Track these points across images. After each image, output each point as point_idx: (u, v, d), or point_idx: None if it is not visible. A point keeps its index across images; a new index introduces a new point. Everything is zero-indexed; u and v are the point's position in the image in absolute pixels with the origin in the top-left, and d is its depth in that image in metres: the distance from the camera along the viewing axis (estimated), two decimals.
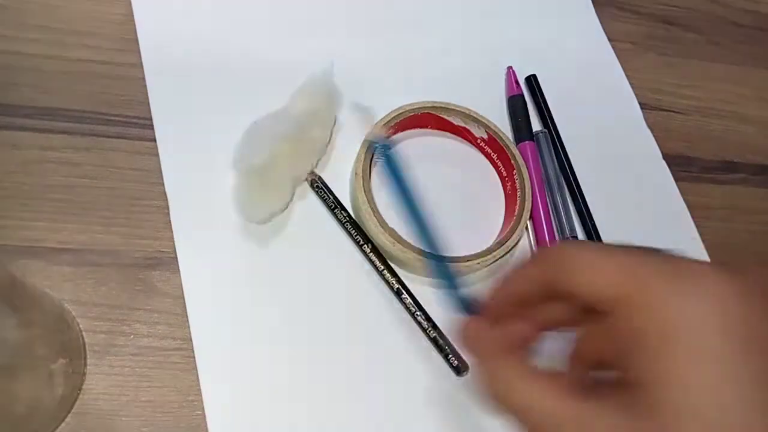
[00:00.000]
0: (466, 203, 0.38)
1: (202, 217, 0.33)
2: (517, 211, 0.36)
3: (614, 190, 0.41)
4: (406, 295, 0.33)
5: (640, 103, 0.45)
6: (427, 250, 0.27)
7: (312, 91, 0.35)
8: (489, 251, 0.34)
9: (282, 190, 0.33)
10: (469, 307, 0.25)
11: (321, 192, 0.35)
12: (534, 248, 0.37)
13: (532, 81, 0.43)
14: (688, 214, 0.41)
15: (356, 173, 0.34)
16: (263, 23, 0.40)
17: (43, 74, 0.35)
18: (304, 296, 0.33)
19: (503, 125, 0.39)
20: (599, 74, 0.46)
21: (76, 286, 0.31)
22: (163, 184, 0.34)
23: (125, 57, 0.37)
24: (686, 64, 0.48)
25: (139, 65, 0.37)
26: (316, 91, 0.35)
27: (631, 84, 0.45)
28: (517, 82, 0.42)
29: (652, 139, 0.44)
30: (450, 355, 0.32)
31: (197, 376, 0.30)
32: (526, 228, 0.37)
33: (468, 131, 0.39)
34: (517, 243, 0.35)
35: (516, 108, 0.41)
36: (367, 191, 0.34)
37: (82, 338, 0.29)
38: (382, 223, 0.33)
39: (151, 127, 0.35)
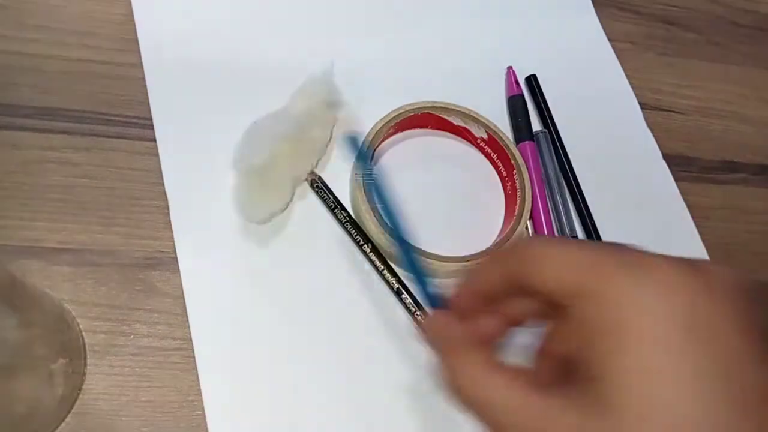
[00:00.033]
0: (466, 203, 0.38)
1: (202, 217, 0.33)
2: (517, 211, 0.36)
3: (614, 190, 0.41)
4: (406, 295, 0.33)
5: (640, 103, 0.45)
6: (397, 242, 0.27)
7: (312, 91, 0.35)
8: (489, 251, 0.34)
9: (282, 190, 0.34)
10: (437, 302, 0.25)
11: (321, 192, 0.35)
12: None
13: (532, 81, 0.43)
14: (688, 214, 0.41)
15: (356, 173, 0.34)
16: (263, 23, 0.40)
17: (43, 74, 0.35)
18: (304, 296, 0.33)
19: (503, 125, 0.39)
20: (599, 74, 0.46)
21: (76, 286, 0.31)
22: (163, 184, 0.34)
23: (125, 57, 0.37)
24: (686, 64, 0.48)
25: (139, 65, 0.37)
26: (316, 91, 0.35)
27: (631, 84, 0.45)
28: (517, 82, 0.42)
29: (652, 139, 0.44)
30: None
31: (197, 376, 0.30)
32: (526, 228, 0.37)
33: (468, 131, 0.39)
34: None
35: (516, 108, 0.41)
36: (367, 191, 0.34)
37: (82, 338, 0.29)
38: (382, 223, 0.33)
39: (151, 127, 0.35)
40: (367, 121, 0.36)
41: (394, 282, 0.33)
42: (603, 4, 0.49)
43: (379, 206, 0.28)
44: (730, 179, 0.44)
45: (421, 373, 0.32)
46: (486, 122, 0.38)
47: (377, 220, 0.33)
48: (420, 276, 0.26)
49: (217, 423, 0.29)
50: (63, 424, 0.28)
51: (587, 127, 0.42)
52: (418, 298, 0.25)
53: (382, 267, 0.33)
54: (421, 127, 0.39)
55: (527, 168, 0.37)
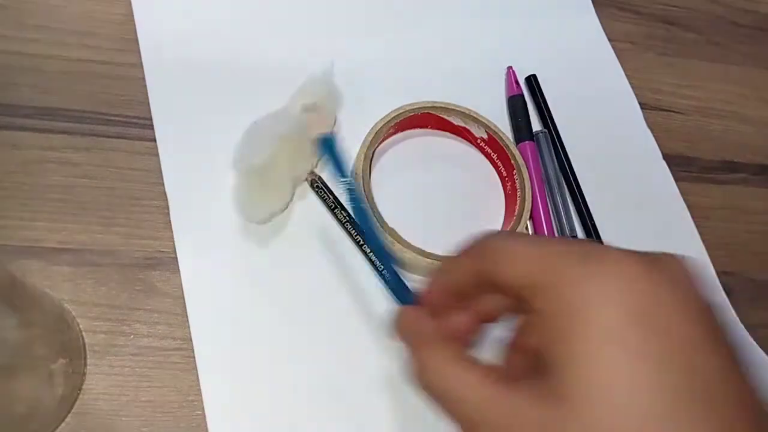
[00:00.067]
0: (466, 203, 0.38)
1: (202, 217, 0.33)
2: (517, 211, 0.36)
3: (614, 190, 0.41)
4: None
5: (640, 103, 0.45)
6: (368, 239, 0.27)
7: (312, 91, 0.35)
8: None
9: (282, 190, 0.33)
10: (409, 299, 0.26)
11: (321, 192, 0.35)
12: None
13: (532, 81, 0.43)
14: (688, 214, 0.41)
15: (356, 173, 0.34)
16: (263, 23, 0.40)
17: (43, 74, 0.35)
18: (304, 296, 0.33)
19: (503, 125, 0.39)
20: (599, 74, 0.46)
21: (76, 286, 0.31)
22: (163, 184, 0.34)
23: (125, 57, 0.37)
24: (686, 64, 0.48)
25: (139, 65, 0.37)
26: (316, 91, 0.35)
27: (631, 84, 0.45)
28: (517, 82, 0.42)
29: (652, 139, 0.44)
30: None
31: (197, 376, 0.30)
32: (526, 228, 0.37)
33: (468, 131, 0.39)
34: None
35: (516, 108, 0.41)
36: (367, 191, 0.34)
37: (82, 338, 0.29)
38: (382, 223, 0.33)
39: (151, 127, 0.35)
40: (367, 121, 0.36)
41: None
42: (603, 4, 0.49)
43: (350, 205, 0.28)
44: (730, 179, 0.44)
45: None
46: (486, 122, 0.38)
47: (377, 220, 0.33)
48: (392, 273, 0.27)
49: (217, 423, 0.29)
50: (63, 424, 0.28)
51: (587, 127, 0.42)
52: (391, 296, 0.26)
53: (382, 267, 0.33)
54: (421, 127, 0.39)
55: (527, 168, 0.37)
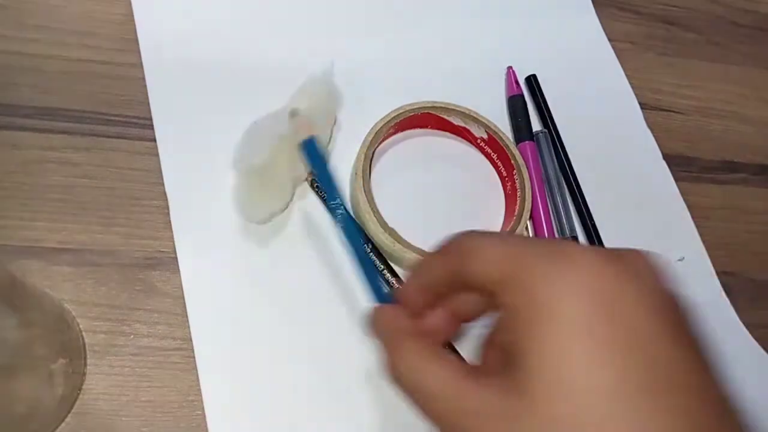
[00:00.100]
0: (466, 203, 0.38)
1: (202, 217, 0.33)
2: (517, 211, 0.36)
3: (614, 190, 0.41)
4: None
5: (640, 103, 0.45)
6: (348, 240, 0.28)
7: (312, 91, 0.35)
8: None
9: (282, 190, 0.33)
10: (386, 299, 0.26)
11: (321, 192, 0.35)
12: None
13: (532, 81, 0.43)
14: (688, 214, 0.41)
15: (356, 173, 0.34)
16: (263, 23, 0.40)
17: (43, 74, 0.35)
18: (304, 296, 0.33)
19: (503, 125, 0.39)
20: (599, 74, 0.46)
21: (76, 286, 0.31)
22: (163, 184, 0.34)
23: (125, 57, 0.37)
24: (686, 64, 0.48)
25: (139, 65, 0.37)
26: (316, 91, 0.35)
27: (631, 84, 0.45)
28: (517, 82, 0.42)
29: (652, 139, 0.44)
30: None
31: (197, 376, 0.30)
32: (526, 228, 0.37)
33: (468, 131, 0.39)
34: None
35: (516, 108, 0.41)
36: (367, 191, 0.34)
37: (82, 338, 0.29)
38: (382, 223, 0.33)
39: (151, 127, 0.35)
40: (367, 121, 0.36)
41: (394, 282, 0.33)
42: (603, 4, 0.49)
43: (330, 204, 0.29)
44: (730, 179, 0.44)
45: None
46: (486, 122, 0.38)
47: (377, 220, 0.33)
48: (370, 272, 0.27)
49: (217, 423, 0.29)
50: (63, 424, 0.28)
51: (587, 127, 0.42)
52: (369, 296, 0.27)
53: (382, 267, 0.33)
54: (421, 127, 0.39)
55: (527, 168, 0.37)
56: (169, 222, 0.33)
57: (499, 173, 0.39)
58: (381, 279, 0.27)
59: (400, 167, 0.37)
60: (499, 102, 0.42)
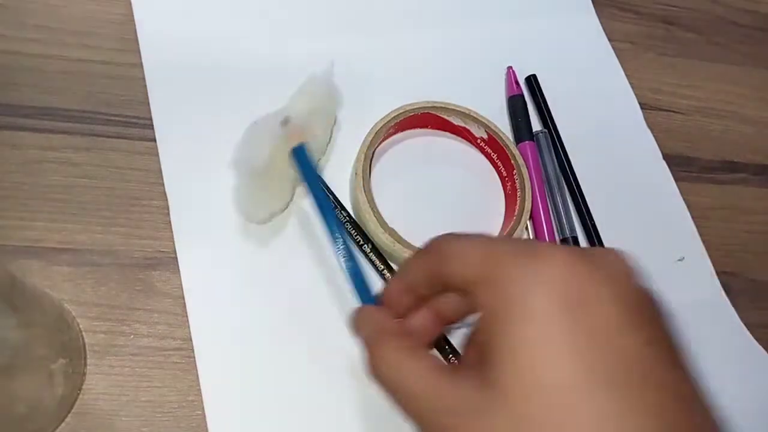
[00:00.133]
0: (466, 203, 0.38)
1: (202, 217, 0.33)
2: (517, 211, 0.36)
3: (614, 190, 0.41)
4: None
5: (640, 103, 0.45)
6: (335, 242, 0.29)
7: (312, 91, 0.35)
8: None
9: (282, 190, 0.33)
10: (371, 298, 0.27)
11: None
12: None
13: (532, 81, 0.43)
14: (688, 214, 0.41)
15: (356, 173, 0.34)
16: (263, 23, 0.40)
17: (43, 74, 0.35)
18: (304, 296, 0.33)
19: (503, 125, 0.39)
20: (599, 74, 0.46)
21: (76, 286, 0.31)
22: (163, 184, 0.34)
23: (125, 57, 0.37)
24: (686, 64, 0.48)
25: (139, 65, 0.37)
26: (316, 91, 0.35)
27: (631, 84, 0.45)
28: (517, 82, 0.42)
29: (652, 139, 0.44)
30: (451, 355, 0.32)
31: (197, 376, 0.30)
32: (526, 228, 0.37)
33: (468, 131, 0.39)
34: None
35: (516, 108, 0.41)
36: (367, 191, 0.34)
37: (82, 338, 0.29)
38: (382, 223, 0.33)
39: (151, 127, 0.35)
40: (367, 121, 0.36)
41: None
42: (603, 4, 0.49)
43: (317, 209, 0.30)
44: (730, 179, 0.44)
45: None
46: (486, 122, 0.38)
47: (377, 220, 0.33)
48: (356, 274, 0.28)
49: (217, 423, 0.29)
50: (63, 424, 0.28)
51: (587, 127, 0.42)
52: (355, 297, 0.28)
53: (382, 267, 0.33)
54: (421, 127, 0.39)
55: (527, 168, 0.37)
56: (169, 222, 0.33)
57: (499, 173, 0.39)
58: (365, 281, 0.28)
59: (400, 167, 0.37)
60: (499, 102, 0.42)
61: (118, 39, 0.37)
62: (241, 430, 0.29)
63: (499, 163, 0.38)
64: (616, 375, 0.17)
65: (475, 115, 0.38)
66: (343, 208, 0.34)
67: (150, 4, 0.39)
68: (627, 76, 0.46)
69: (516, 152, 0.37)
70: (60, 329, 0.28)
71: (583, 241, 0.38)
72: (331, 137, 0.37)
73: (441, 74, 0.41)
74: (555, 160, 0.40)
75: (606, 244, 0.38)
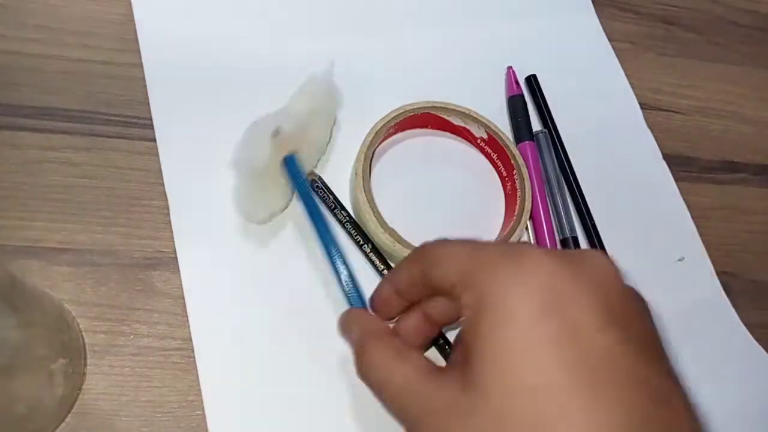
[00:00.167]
0: (466, 203, 0.38)
1: (202, 217, 0.33)
2: (517, 211, 0.36)
3: (614, 190, 0.41)
4: None
5: (640, 103, 0.45)
6: (326, 249, 0.30)
7: (312, 91, 0.35)
8: None
9: (282, 190, 0.33)
10: (363, 304, 0.28)
11: (321, 192, 0.35)
12: None
13: (532, 81, 0.43)
14: (688, 214, 0.41)
15: (356, 173, 0.34)
16: (263, 23, 0.40)
17: (43, 74, 0.35)
18: (304, 296, 0.33)
19: (503, 125, 0.39)
20: (599, 74, 0.46)
21: (76, 286, 0.31)
22: (163, 184, 0.34)
23: (125, 57, 0.37)
24: (686, 64, 0.48)
25: (139, 65, 0.37)
26: (316, 91, 0.35)
27: (631, 84, 0.45)
28: (517, 82, 0.42)
29: (652, 139, 0.44)
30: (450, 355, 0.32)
31: (197, 376, 0.30)
32: (526, 228, 0.37)
33: (468, 131, 0.39)
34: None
35: (516, 108, 0.41)
36: (367, 191, 0.34)
37: (82, 338, 0.29)
38: (382, 223, 0.33)
39: (151, 127, 0.35)
40: (367, 121, 0.36)
41: None
42: (603, 4, 0.49)
43: (309, 218, 0.32)
44: (730, 179, 0.44)
45: None
46: (486, 122, 0.38)
47: (377, 220, 0.33)
48: (348, 280, 0.29)
49: (217, 423, 0.29)
50: (63, 424, 0.28)
51: (587, 127, 0.42)
52: (347, 302, 0.30)
53: (382, 267, 0.33)
54: (421, 127, 0.39)
55: (527, 168, 0.37)
56: (169, 222, 0.33)
57: (499, 173, 0.39)
58: (357, 287, 0.30)
59: (400, 167, 0.37)
60: (499, 102, 0.42)
61: (118, 39, 0.37)
62: (241, 430, 0.29)
63: (499, 163, 0.38)
64: (591, 374, 0.18)
65: (475, 115, 0.38)
66: (343, 208, 0.34)
67: (150, 4, 0.39)
68: (627, 76, 0.46)
69: (516, 152, 0.37)
70: (60, 329, 0.28)
71: (583, 241, 0.38)
72: (331, 137, 0.37)
73: (441, 74, 0.41)
74: (555, 160, 0.40)
75: (606, 244, 0.38)
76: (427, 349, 0.32)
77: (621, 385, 0.18)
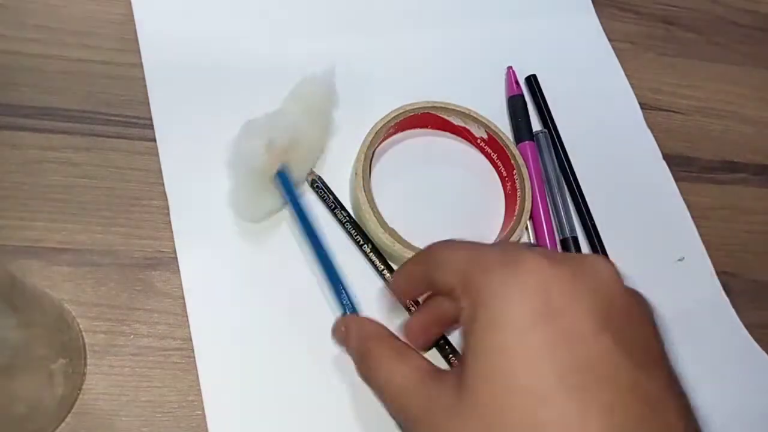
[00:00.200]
0: (466, 203, 0.38)
1: (202, 217, 0.33)
2: (517, 211, 0.36)
3: (614, 190, 0.41)
4: None
5: (640, 103, 0.45)
6: (318, 258, 0.31)
7: (306, 92, 0.35)
8: None
9: (276, 191, 0.33)
10: (354, 310, 0.29)
11: (321, 192, 0.35)
12: None
13: (532, 81, 0.43)
14: (688, 214, 0.41)
15: (356, 173, 0.34)
16: (263, 23, 0.40)
17: (43, 74, 0.35)
18: (304, 296, 0.33)
19: (503, 125, 0.39)
20: (599, 74, 0.46)
21: (76, 286, 0.31)
22: (163, 184, 0.34)
23: (125, 57, 0.37)
24: (686, 64, 0.48)
25: (139, 65, 0.37)
26: (310, 92, 0.35)
27: (631, 84, 0.45)
28: (517, 82, 0.42)
29: (652, 139, 0.44)
30: (450, 355, 0.32)
31: (197, 376, 0.30)
32: (526, 228, 0.37)
33: (468, 131, 0.39)
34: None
35: (516, 108, 0.41)
36: (367, 191, 0.34)
37: (82, 338, 0.29)
38: (382, 223, 0.33)
39: (151, 127, 0.35)
40: (367, 121, 0.36)
41: None
42: (603, 4, 0.49)
43: (300, 226, 0.32)
44: (730, 179, 0.44)
45: None
46: (486, 122, 0.38)
47: (377, 220, 0.33)
48: (339, 287, 0.31)
49: (217, 423, 0.29)
50: (63, 424, 0.28)
51: (587, 127, 0.42)
52: (338, 308, 0.31)
53: (382, 267, 0.33)
54: (421, 127, 0.39)
55: (527, 168, 0.37)
56: (169, 222, 0.33)
57: (499, 173, 0.39)
58: (348, 294, 0.31)
59: (400, 167, 0.37)
60: (499, 102, 0.42)
61: (118, 39, 0.37)
62: (241, 430, 0.29)
63: (499, 163, 0.38)
64: (584, 380, 0.18)
65: (475, 115, 0.38)
66: (343, 208, 0.34)
67: (150, 4, 0.39)
68: (627, 76, 0.46)
69: (516, 152, 0.37)
70: (60, 329, 0.28)
71: (583, 241, 0.38)
72: (328, 137, 0.37)
73: (441, 74, 0.41)
74: (555, 160, 0.40)
75: (606, 244, 0.38)
76: (432, 346, 0.32)
77: (614, 390, 0.18)
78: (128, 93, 0.36)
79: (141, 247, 0.32)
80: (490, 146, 0.39)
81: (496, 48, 0.44)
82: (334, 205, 0.34)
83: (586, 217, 0.39)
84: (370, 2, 0.43)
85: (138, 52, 0.37)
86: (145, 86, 0.36)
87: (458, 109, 0.38)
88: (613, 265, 0.20)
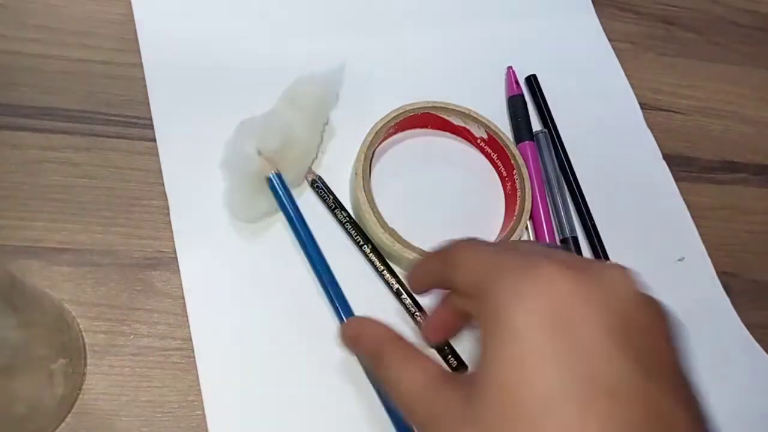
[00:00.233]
0: (466, 203, 0.38)
1: (202, 217, 0.33)
2: (517, 211, 0.36)
3: (614, 190, 0.41)
4: (406, 296, 0.33)
5: (640, 103, 0.45)
6: (314, 263, 0.32)
7: (303, 90, 0.35)
8: None
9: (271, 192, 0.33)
10: (351, 314, 0.30)
11: (321, 192, 0.35)
12: None
13: (532, 81, 0.43)
14: (688, 214, 0.41)
15: (356, 173, 0.34)
16: (263, 23, 0.40)
17: (43, 74, 0.35)
18: (304, 296, 0.33)
19: (503, 125, 0.39)
20: (599, 74, 0.46)
21: (76, 286, 0.31)
22: (163, 184, 0.34)
23: (125, 57, 0.37)
24: (686, 64, 0.48)
25: (139, 65, 0.37)
26: (308, 91, 0.35)
27: (631, 84, 0.45)
28: (517, 82, 0.42)
29: (652, 139, 0.44)
30: (449, 356, 0.32)
31: (197, 376, 0.30)
32: (526, 228, 0.37)
33: (468, 131, 0.39)
34: None
35: (516, 108, 0.41)
36: (367, 191, 0.34)
37: (82, 338, 0.29)
38: (382, 223, 0.33)
39: (151, 127, 0.35)
40: (367, 121, 0.36)
41: (393, 282, 0.33)
42: (603, 4, 0.49)
43: (293, 231, 0.33)
44: (730, 179, 0.44)
45: None
46: (486, 122, 0.38)
47: (377, 220, 0.33)
48: (337, 292, 0.31)
49: (217, 423, 0.29)
50: (63, 424, 0.28)
51: (587, 127, 0.42)
52: (336, 313, 0.31)
53: (382, 267, 0.33)
54: (421, 127, 0.39)
55: (527, 168, 0.37)
56: (169, 222, 0.33)
57: (499, 173, 0.39)
58: (345, 298, 0.31)
59: (400, 167, 0.37)
60: (499, 102, 0.42)
61: (118, 39, 0.37)
62: (241, 430, 0.29)
63: (499, 163, 0.38)
64: (594, 394, 0.17)
65: (475, 115, 0.38)
66: (342, 208, 0.34)
67: (150, 4, 0.39)
68: (627, 76, 0.46)
69: (516, 152, 0.37)
70: (60, 329, 0.28)
71: (583, 241, 0.38)
72: (322, 139, 0.36)
73: (441, 74, 0.41)
74: (555, 160, 0.40)
75: (606, 244, 0.38)
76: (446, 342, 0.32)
77: (627, 406, 0.17)
78: (128, 93, 0.36)
79: (141, 247, 0.32)
80: (490, 146, 0.39)
81: (496, 48, 0.44)
82: (334, 205, 0.34)
83: (586, 217, 0.39)
84: (370, 2, 0.43)
85: (138, 52, 0.37)
86: (145, 86, 0.36)
87: (458, 109, 0.38)
88: (633, 276, 0.20)
